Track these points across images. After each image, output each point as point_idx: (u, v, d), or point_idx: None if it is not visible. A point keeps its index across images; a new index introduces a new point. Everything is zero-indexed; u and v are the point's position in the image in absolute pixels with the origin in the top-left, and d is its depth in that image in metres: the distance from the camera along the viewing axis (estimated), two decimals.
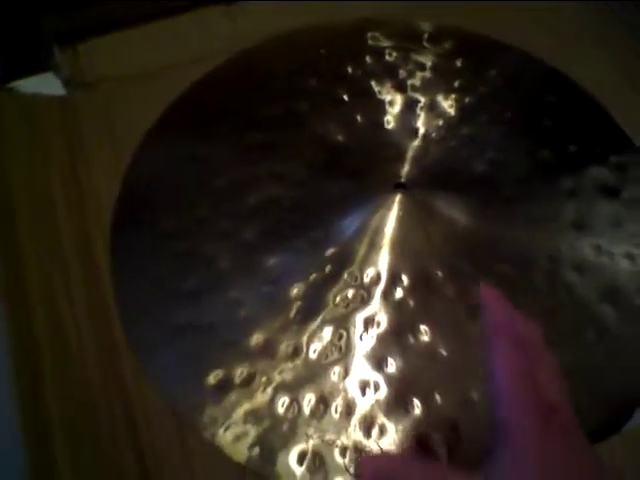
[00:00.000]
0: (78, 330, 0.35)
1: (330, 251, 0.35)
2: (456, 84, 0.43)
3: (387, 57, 0.44)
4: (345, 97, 0.41)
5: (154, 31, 0.44)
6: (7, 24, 0.43)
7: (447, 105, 0.41)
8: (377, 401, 0.31)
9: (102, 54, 0.43)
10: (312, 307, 0.33)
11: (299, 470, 0.30)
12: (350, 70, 0.43)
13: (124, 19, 0.43)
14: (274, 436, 0.31)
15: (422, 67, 0.44)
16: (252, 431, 0.31)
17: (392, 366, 0.32)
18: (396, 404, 0.31)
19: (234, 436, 0.31)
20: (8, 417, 0.32)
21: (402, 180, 0.37)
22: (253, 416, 0.31)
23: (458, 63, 0.44)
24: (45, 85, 0.44)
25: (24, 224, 0.37)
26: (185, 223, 0.37)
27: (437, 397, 0.31)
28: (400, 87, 0.42)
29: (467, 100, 0.42)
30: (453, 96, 0.42)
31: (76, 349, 0.34)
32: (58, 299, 0.35)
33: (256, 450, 0.30)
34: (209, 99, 0.42)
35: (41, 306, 0.35)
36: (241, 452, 0.30)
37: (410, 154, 0.39)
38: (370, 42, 0.45)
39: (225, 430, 0.31)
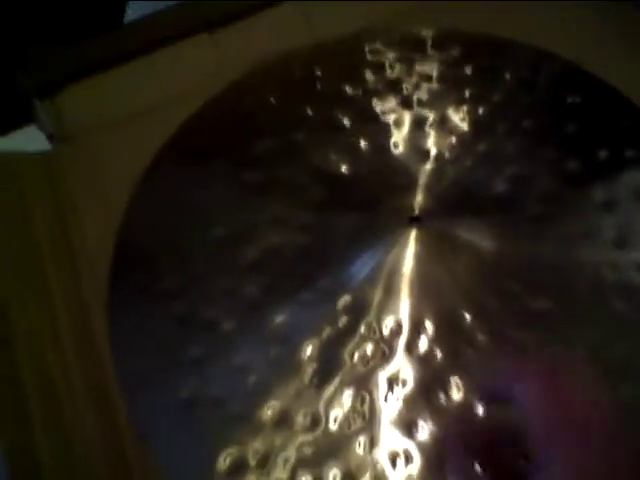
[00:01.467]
0: (75, 408, 0.32)
1: (343, 301, 0.31)
2: (467, 94, 0.39)
3: (388, 70, 0.40)
4: (345, 122, 0.38)
5: (134, 70, 0.41)
6: None
7: (459, 119, 0.38)
8: (410, 474, 0.27)
9: (83, 102, 0.41)
10: (328, 368, 0.30)
11: None
12: (349, 90, 0.39)
13: (101, 62, 0.40)
14: None
15: (428, 78, 0.40)
16: None
17: (424, 431, 0.28)
18: (432, 476, 0.27)
19: None
20: None
21: (416, 213, 0.33)
22: None
23: (467, 70, 0.40)
24: (28, 141, 0.41)
25: (12, 298, 0.34)
26: (183, 282, 0.33)
27: (477, 466, 0.27)
28: (406, 103, 0.39)
29: (480, 111, 0.38)
30: (465, 108, 0.38)
31: (72, 429, 0.31)
32: (53, 374, 0.32)
33: None
34: (200, 140, 0.38)
35: (35, 385, 0.32)
36: None
37: (422, 181, 0.35)
38: (369, 56, 0.41)
39: None
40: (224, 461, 0.28)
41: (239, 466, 0.28)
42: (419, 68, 0.40)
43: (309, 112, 0.38)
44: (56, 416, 0.31)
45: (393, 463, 0.28)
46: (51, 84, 0.40)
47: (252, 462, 0.28)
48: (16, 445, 0.31)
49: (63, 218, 0.37)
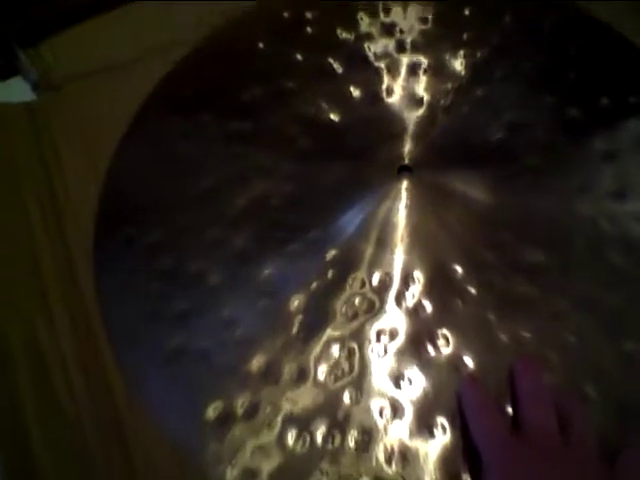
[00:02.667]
0: (64, 364, 0.31)
1: (331, 253, 0.31)
2: (465, 37, 0.37)
3: (382, 13, 0.38)
4: (337, 68, 0.36)
5: (122, 18, 0.39)
6: None
7: (456, 64, 0.36)
8: (398, 426, 0.27)
9: (69, 50, 0.39)
10: (316, 321, 0.30)
11: None
12: (341, 34, 0.38)
13: (87, 9, 0.38)
14: (287, 474, 0.27)
15: (424, 20, 0.38)
16: (263, 469, 0.27)
17: (412, 383, 0.28)
18: (419, 427, 0.27)
19: (243, 476, 0.27)
20: None
21: (406, 162, 0.32)
22: (262, 452, 0.28)
23: (466, 11, 0.38)
24: (13, 92, 0.40)
25: None
26: (170, 234, 0.33)
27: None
28: (399, 47, 0.37)
29: (479, 55, 0.36)
30: (462, 52, 0.36)
31: (62, 385, 0.31)
32: (39, 331, 0.32)
33: None
34: (187, 87, 0.37)
35: (21, 341, 0.32)
36: None
37: (413, 128, 0.34)
38: None
39: (232, 469, 0.28)
40: (213, 411, 0.28)
41: (227, 417, 0.28)
42: (414, 9, 0.38)
43: (299, 57, 0.37)
44: (46, 384, 0.31)
45: (381, 415, 0.28)
46: (35, 32, 0.38)
47: (240, 413, 0.28)
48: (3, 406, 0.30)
49: (47, 169, 0.36)
